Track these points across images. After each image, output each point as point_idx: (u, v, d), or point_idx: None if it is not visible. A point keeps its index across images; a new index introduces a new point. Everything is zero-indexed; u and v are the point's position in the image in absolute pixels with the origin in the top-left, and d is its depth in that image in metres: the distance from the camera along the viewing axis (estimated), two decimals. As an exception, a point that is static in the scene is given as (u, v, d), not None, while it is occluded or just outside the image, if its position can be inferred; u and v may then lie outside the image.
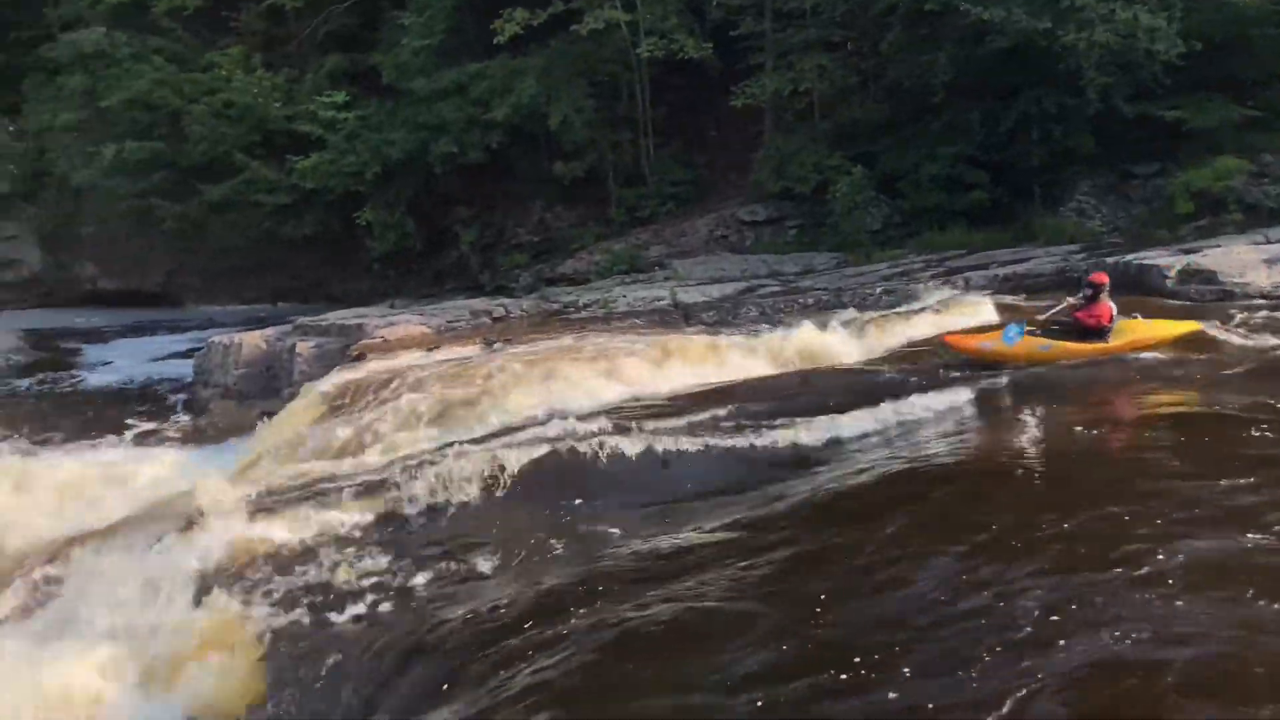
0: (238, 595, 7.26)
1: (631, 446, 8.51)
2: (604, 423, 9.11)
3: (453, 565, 7.32)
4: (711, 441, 8.60)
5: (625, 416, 9.33)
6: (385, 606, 6.79)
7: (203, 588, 7.44)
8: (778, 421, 8.89)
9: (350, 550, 7.67)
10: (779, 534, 6.62)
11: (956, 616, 4.82)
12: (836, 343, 11.39)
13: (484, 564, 7.23)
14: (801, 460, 8.28)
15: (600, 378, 10.92)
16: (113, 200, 25.15)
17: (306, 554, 7.71)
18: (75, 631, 7.27)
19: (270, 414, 12.75)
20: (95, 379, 18.92)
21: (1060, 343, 9.72)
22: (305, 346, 14.35)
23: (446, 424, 10.28)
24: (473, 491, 8.25)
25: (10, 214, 27.74)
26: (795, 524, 6.81)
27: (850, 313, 11.84)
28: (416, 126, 21.88)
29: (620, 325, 12.94)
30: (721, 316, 13.48)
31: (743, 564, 6.01)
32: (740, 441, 8.54)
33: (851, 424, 8.61)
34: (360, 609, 6.83)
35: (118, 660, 6.88)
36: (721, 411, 9.25)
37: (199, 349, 17.02)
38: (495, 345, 12.74)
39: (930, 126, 19.13)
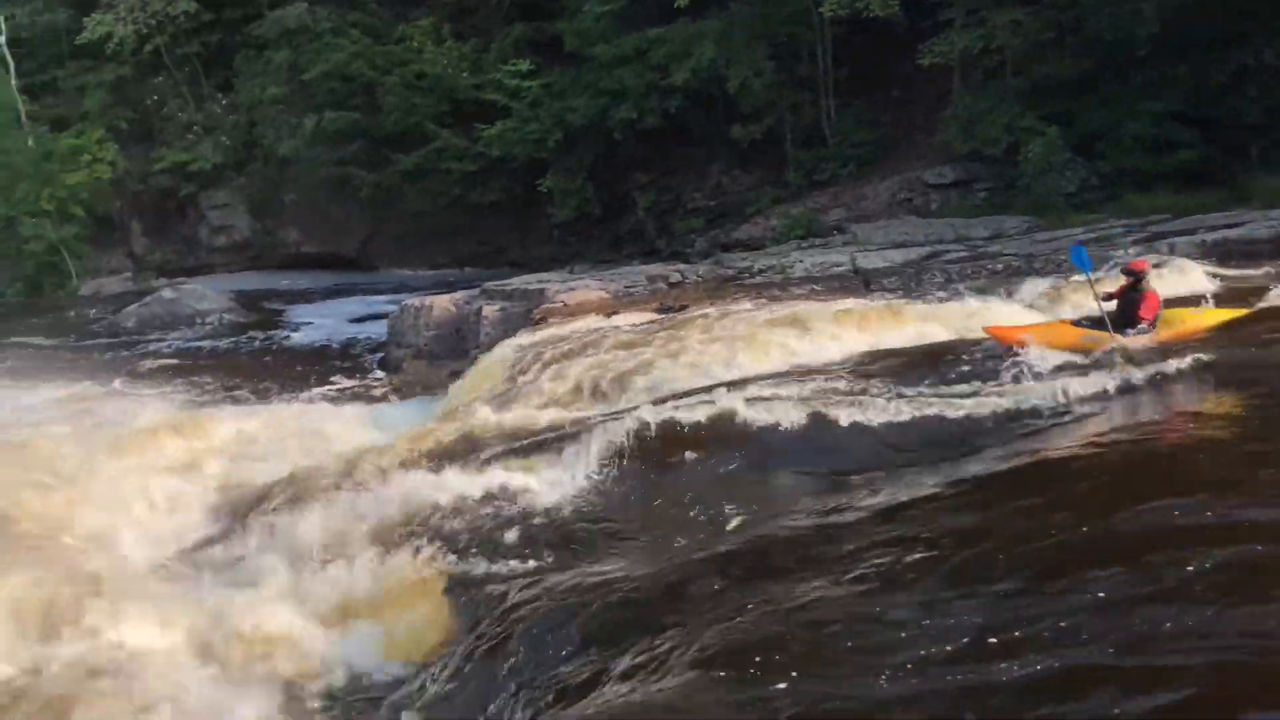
0: (427, 544, 7.66)
1: (809, 412, 8.43)
2: (780, 387, 9.07)
3: (625, 524, 7.49)
4: (892, 410, 8.43)
5: (802, 381, 9.26)
6: (559, 562, 7.01)
7: (396, 535, 7.89)
8: (959, 391, 8.64)
9: (531, 506, 7.94)
10: (962, 511, 6.43)
11: (1159, 611, 4.56)
12: (1025, 311, 10.91)
13: (655, 525, 7.36)
14: (987, 433, 8.02)
15: (776, 342, 10.85)
16: (313, 169, 26.58)
17: (491, 508, 8.03)
18: (278, 573, 7.81)
19: (458, 373, 13.32)
20: (299, 338, 20.16)
21: (1100, 333, 9.03)
22: (491, 310, 14.85)
23: (623, 387, 10.46)
24: (648, 453, 8.38)
25: (223, 183, 29.74)
26: (981, 501, 6.61)
27: (1041, 280, 11.31)
28: (597, 93, 22.17)
29: (798, 291, 12.80)
30: (904, 283, 13.14)
31: (919, 540, 5.88)
32: (921, 412, 8.34)
33: (1038, 397, 8.27)
34: (537, 563, 7.08)
35: (317, 601, 7.37)
36: (902, 379, 9.04)
37: (392, 311, 17.86)
38: (671, 310, 12.85)
39: (1133, 82, 17.97)
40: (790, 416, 8.39)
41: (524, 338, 12.54)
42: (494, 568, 7.15)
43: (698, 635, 5.16)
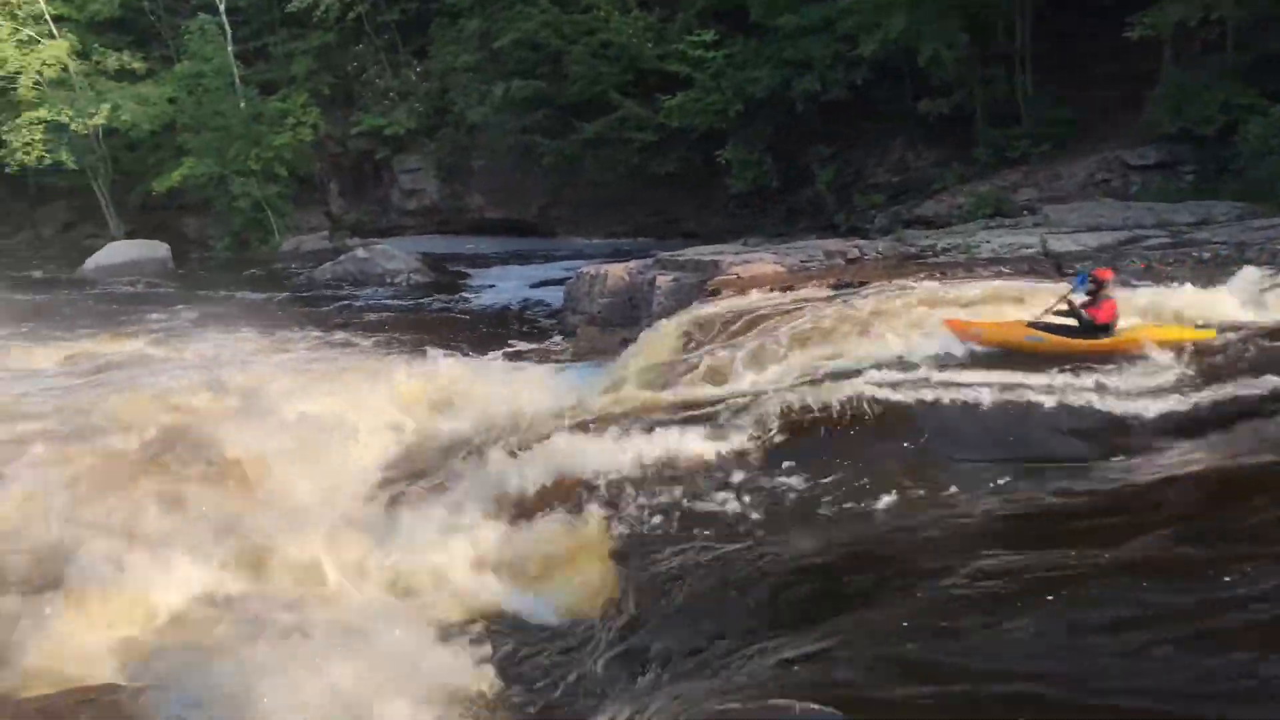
0: (599, 507, 7.84)
1: (992, 398, 8.18)
2: (960, 371, 8.81)
3: (792, 501, 7.46)
4: (1077, 402, 8.08)
5: (986, 366, 8.96)
6: (724, 536, 7.06)
7: (569, 496, 8.10)
8: (1150, 386, 8.20)
9: (698, 478, 8.01)
10: (1145, 511, 6.14)
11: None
12: (1229, 303, 10.16)
13: (824, 504, 7.31)
14: (1175, 430, 7.59)
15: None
16: (500, 136, 27.29)
17: (659, 477, 8.15)
18: (461, 523, 8.15)
19: (630, 341, 13.48)
20: (480, 300, 20.86)
21: (1052, 336, 9.29)
22: (664, 280, 14.94)
23: (797, 361, 10.37)
24: (819, 429, 8.31)
25: (415, 148, 30.94)
26: (1168, 501, 6.28)
27: (1257, 269, 10.49)
28: (780, 63, 21.87)
29: (983, 273, 12.32)
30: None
31: (1106, 539, 5.63)
32: (1109, 406, 7.96)
33: (1245, 394, 7.75)
34: (703, 535, 7.15)
35: (496, 553, 7.66)
36: (1089, 371, 8.63)
37: (569, 278, 18.23)
38: (848, 286, 12.61)
39: (1373, 57, 16.38)
40: (971, 401, 8.17)
41: (697, 308, 12.56)
42: (660, 536, 7.29)
43: (867, 622, 5.12)
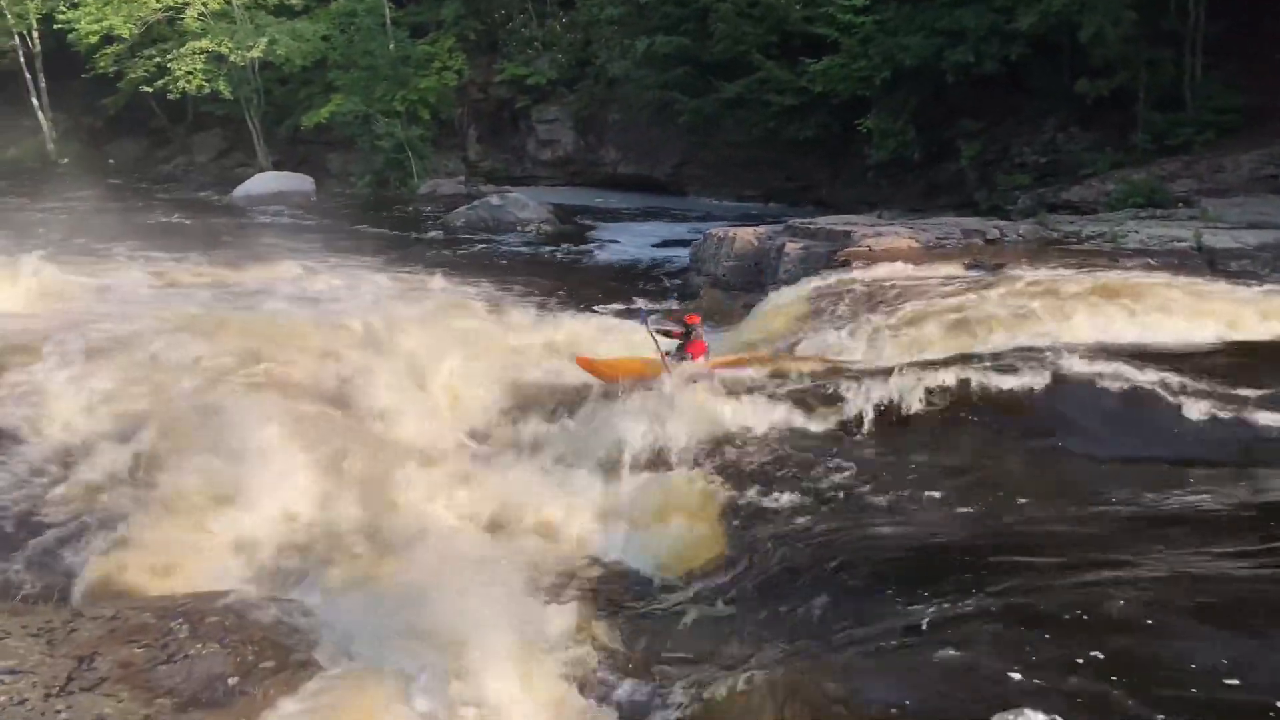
0: (709, 467, 7.87)
1: (1126, 391, 7.85)
2: (1095, 362, 8.47)
3: (906, 477, 7.34)
4: (1225, 404, 7.68)
5: (1122, 359, 8.59)
6: (830, 508, 6.99)
7: (680, 453, 8.13)
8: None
9: (811, 446, 7.96)
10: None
11: None
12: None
13: (939, 484, 7.16)
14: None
15: (1097, 314, 10.11)
16: (639, 91, 27.27)
17: (771, 441, 8.14)
18: (566, 471, 8.28)
19: (751, 306, 13.39)
20: (606, 254, 20.98)
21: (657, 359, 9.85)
22: (794, 247, 14.77)
23: (924, 339, 10.16)
24: (937, 411, 8.13)
25: (554, 99, 31.17)
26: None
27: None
28: (933, 33, 21.19)
29: (1129, 263, 11.80)
30: (1256, 268, 11.80)
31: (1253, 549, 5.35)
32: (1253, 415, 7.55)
33: None
34: (811, 503, 7.11)
35: (603, 502, 7.75)
36: (1243, 374, 8.19)
37: (696, 239, 18.17)
38: (984, 267, 12.25)
39: None
40: (1104, 394, 7.86)
41: (824, 279, 12.39)
42: (768, 502, 7.26)
43: (973, 611, 5.00)
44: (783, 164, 26.47)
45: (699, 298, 16.05)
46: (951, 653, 4.40)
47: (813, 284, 12.27)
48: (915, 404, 8.16)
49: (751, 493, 7.42)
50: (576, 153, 31.50)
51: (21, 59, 36.88)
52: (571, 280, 17.74)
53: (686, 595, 6.27)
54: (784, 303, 11.99)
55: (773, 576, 6.22)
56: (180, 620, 5.52)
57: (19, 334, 11.79)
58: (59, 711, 4.61)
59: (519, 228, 23.88)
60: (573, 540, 7.36)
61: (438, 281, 16.72)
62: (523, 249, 21.74)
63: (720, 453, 7.98)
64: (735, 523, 7.09)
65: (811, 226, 15.78)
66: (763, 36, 24.06)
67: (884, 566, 5.86)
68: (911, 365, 8.85)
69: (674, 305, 16.03)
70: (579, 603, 6.02)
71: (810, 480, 7.43)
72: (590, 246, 22.09)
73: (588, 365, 10.47)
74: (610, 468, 8.07)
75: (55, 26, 34.54)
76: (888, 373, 8.77)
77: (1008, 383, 8.19)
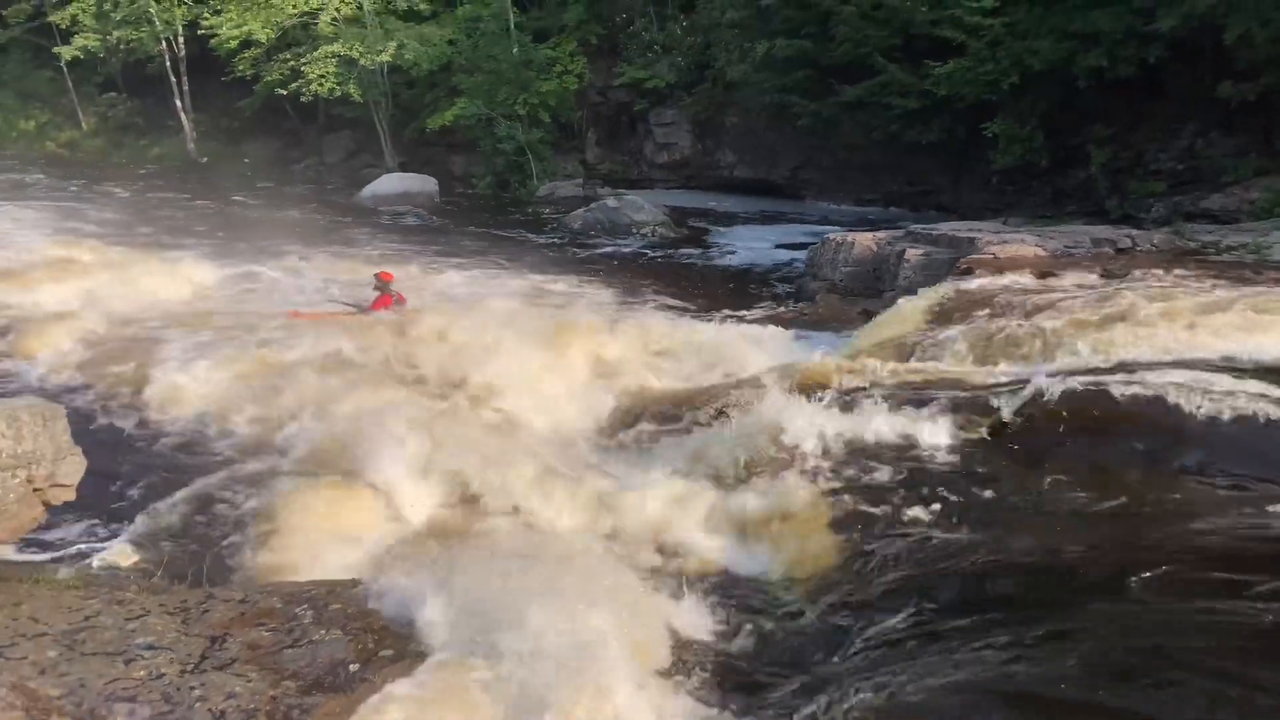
0: (822, 475, 7.79)
1: (1258, 411, 7.46)
2: (1227, 379, 8.07)
3: (1024, 493, 7.17)
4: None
5: (1259, 377, 8.18)
6: (947, 521, 6.86)
7: (790, 461, 8.07)
8: None
9: (926, 457, 7.81)
10: None
11: None
12: None
13: (1057, 500, 6.98)
14: None
15: (1233, 329, 9.61)
16: (757, 94, 27.13)
17: (885, 451, 8.01)
18: (679, 474, 8.29)
19: (869, 313, 13.20)
20: (721, 258, 20.96)
21: (351, 309, 13.19)
22: (914, 253, 14.50)
23: (1048, 350, 9.85)
24: (1061, 424, 7.88)
25: (672, 102, 31.27)
26: None
27: None
28: (1064, 36, 20.50)
29: (1275, 275, 11.23)
30: None
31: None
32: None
33: None
34: (924, 516, 6.98)
35: (713, 507, 7.74)
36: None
37: (813, 243, 17.99)
38: (1114, 278, 11.81)
39: None
40: (1231, 414, 7.48)
41: (945, 286, 12.12)
42: (881, 513, 7.17)
43: (1085, 631, 4.85)
44: (903, 168, 26.00)
45: (815, 302, 15.90)
46: (1069, 684, 4.27)
47: (934, 291, 12.01)
48: (1035, 417, 7.93)
49: (868, 504, 7.33)
50: (693, 156, 31.52)
51: (167, 63, 38.81)
52: (688, 284, 17.77)
53: (799, 607, 6.22)
54: (904, 309, 11.77)
55: (888, 591, 6.13)
56: (305, 606, 5.73)
57: (171, 320, 12.51)
58: (193, 689, 4.83)
59: (635, 230, 24.02)
60: (685, 546, 7.36)
61: (559, 284, 16.99)
62: (639, 252, 21.87)
63: (837, 463, 7.90)
64: (852, 535, 7.01)
65: (933, 233, 15.46)
66: (886, 39, 23.67)
67: (1001, 584, 5.73)
68: (1033, 377, 8.59)
69: (788, 309, 15.91)
70: (689, 610, 6.03)
71: (927, 493, 7.30)
72: (706, 250, 22.09)
73: (297, 315, 13.05)
74: (726, 475, 8.06)
75: (199, 32, 36.24)
76: (1008, 384, 8.55)
77: (1132, 398, 7.89)
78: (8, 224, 21.93)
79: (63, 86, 43.10)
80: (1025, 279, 12.03)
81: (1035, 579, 5.86)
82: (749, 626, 5.93)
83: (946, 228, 15.79)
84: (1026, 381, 8.48)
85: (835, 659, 5.39)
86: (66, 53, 39.13)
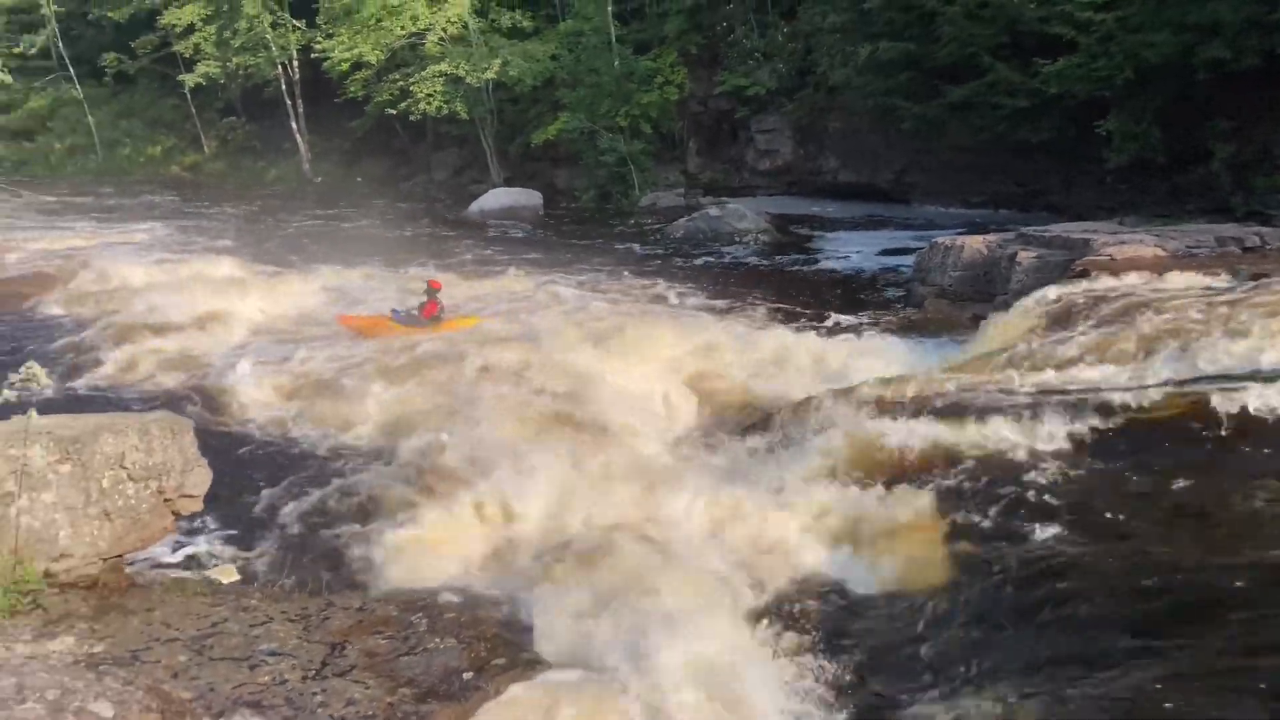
0: (932, 484, 7.63)
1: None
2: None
3: (1135, 504, 6.90)
4: None
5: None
6: (1067, 533, 6.63)
7: (897, 471, 7.93)
8: None
9: (1042, 467, 7.57)
10: None
11: None
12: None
13: (1172, 513, 6.68)
14: None
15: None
16: (861, 98, 26.83)
17: (999, 460, 7.80)
18: (783, 482, 8.23)
19: (980, 317, 12.89)
20: (826, 264, 20.72)
21: (395, 324, 13.68)
22: (1026, 256, 14.10)
23: (1168, 355, 9.46)
24: (1182, 434, 7.55)
25: (773, 109, 31.13)
26: None
27: None
28: (1181, 28, 19.72)
29: None
30: None
31: None
32: None
33: None
34: (1041, 528, 6.78)
35: (821, 516, 7.67)
36: None
37: (920, 247, 17.67)
38: (1242, 278, 11.28)
39: None
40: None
41: (1060, 289, 11.74)
42: (994, 525, 6.99)
43: (1215, 657, 4.64)
44: (1012, 169, 25.36)
45: (924, 308, 15.61)
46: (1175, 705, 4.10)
47: (1047, 295, 11.65)
48: (1151, 425, 7.63)
49: (974, 513, 7.15)
50: (795, 162, 31.31)
51: (283, 87, 40.35)
52: (793, 291, 17.62)
53: (906, 618, 6.11)
54: (1016, 314, 11.46)
55: (996, 603, 5.98)
56: (420, 614, 5.88)
57: (298, 334, 13.01)
58: (315, 694, 4.99)
59: (738, 238, 23.94)
60: (790, 555, 7.31)
61: (662, 293, 17.06)
62: (743, 260, 21.79)
63: (948, 472, 7.72)
64: (959, 545, 6.85)
65: (1046, 234, 15.00)
66: (993, 38, 23.15)
67: (1113, 600, 5.53)
68: (1151, 383, 8.28)
69: (895, 312, 15.66)
70: (795, 620, 5.99)
71: (1036, 502, 7.08)
72: (811, 256, 21.88)
73: (347, 323, 14.00)
74: (831, 480, 7.97)
75: (312, 56, 37.53)
76: (1124, 390, 8.25)
77: (1256, 407, 7.51)
78: (144, 236, 23.31)
79: (186, 112, 45.30)
80: (1145, 281, 11.59)
81: (1147, 595, 5.63)
82: (855, 639, 5.86)
83: (1059, 229, 15.32)
84: (1143, 385, 8.18)
85: (943, 674, 5.27)
86: (190, 80, 41.07)
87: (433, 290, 14.24)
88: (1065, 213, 21.77)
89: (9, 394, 5.69)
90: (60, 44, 47.29)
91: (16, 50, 44.69)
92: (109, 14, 44.31)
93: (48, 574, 5.76)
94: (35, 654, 4.91)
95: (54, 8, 46.68)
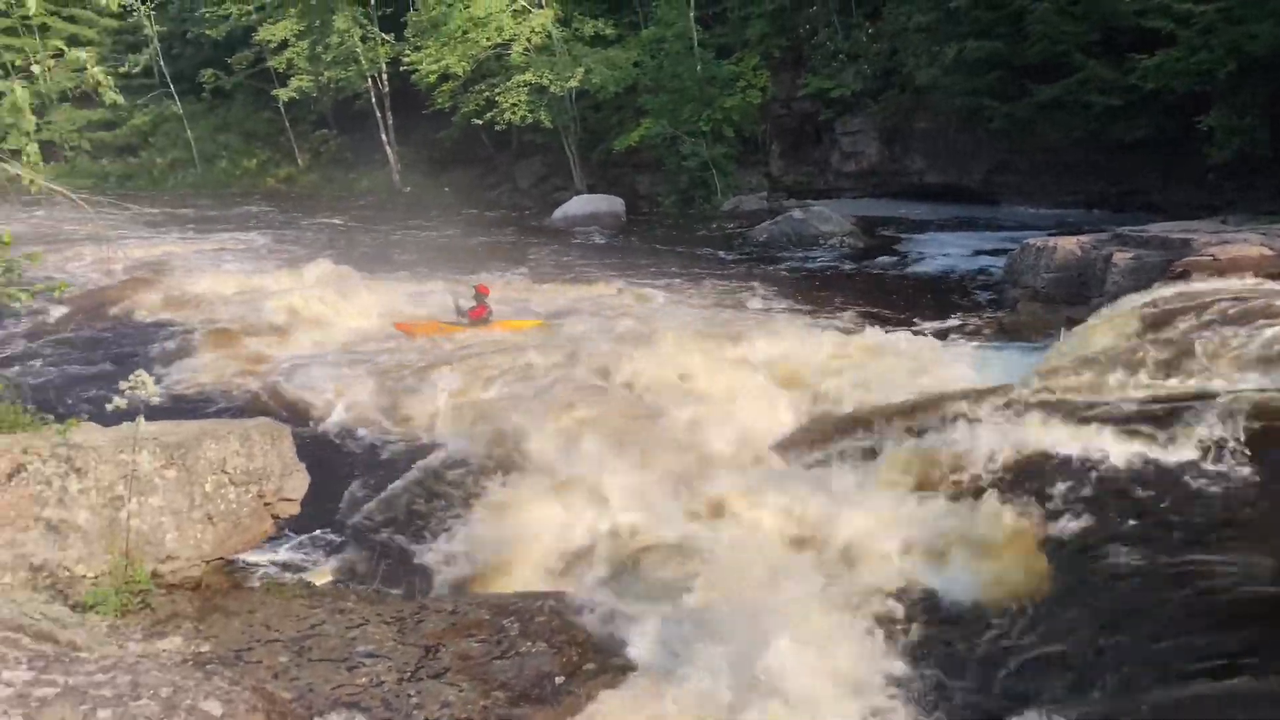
0: (1028, 493, 7.46)
1: None
2: None
3: (1241, 517, 6.65)
4: None
5: None
6: (1168, 544, 6.45)
7: (993, 479, 7.77)
8: None
9: (1143, 477, 7.37)
10: None
11: None
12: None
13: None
14: None
15: None
16: (948, 98, 26.39)
17: (1096, 470, 7.61)
18: (867, 490, 8.14)
19: (1075, 320, 12.56)
20: (913, 267, 20.40)
21: (450, 326, 14.36)
22: (1122, 257, 13.70)
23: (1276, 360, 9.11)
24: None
25: (858, 110, 30.79)
26: None
27: None
28: (1287, 18, 19.01)
29: None
30: None
31: None
32: None
33: None
34: (1141, 539, 6.61)
35: (912, 526, 7.53)
36: None
37: (1012, 249, 17.31)
38: (1357, 278, 10.81)
39: None
40: None
41: (1159, 291, 11.39)
42: (1093, 536, 6.82)
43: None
44: (1105, 168, 24.66)
45: (1016, 310, 15.28)
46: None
47: (1145, 297, 11.31)
48: (1259, 436, 7.33)
49: (1072, 524, 6.99)
50: (881, 163, 30.91)
51: (373, 99, 41.26)
52: (880, 294, 17.40)
53: (1002, 632, 5.98)
54: (1113, 317, 11.13)
55: (1097, 617, 5.82)
56: (512, 618, 5.95)
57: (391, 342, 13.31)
58: (410, 696, 5.09)
59: (823, 241, 23.72)
60: (879, 564, 7.21)
61: (746, 297, 17.00)
62: (828, 263, 21.59)
63: (1038, 479, 7.55)
64: (1057, 556, 6.69)
65: (1143, 234, 14.56)
66: (1084, 34, 22.57)
67: (1219, 615, 5.34)
68: (1260, 391, 7.97)
69: (987, 314, 15.36)
70: (886, 631, 5.91)
71: (1138, 514, 6.88)
72: (898, 259, 21.56)
73: (404, 329, 14.55)
74: (921, 489, 7.85)
75: (400, 68, 38.30)
76: (1230, 398, 7.95)
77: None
78: (241, 246, 24.13)
79: (280, 126, 46.67)
80: (1250, 282, 11.17)
81: (1256, 611, 5.43)
82: (950, 651, 5.75)
83: (1157, 229, 14.86)
84: (1252, 394, 7.88)
85: (1043, 690, 5.15)
86: (283, 94, 42.29)
87: (480, 295, 14.77)
88: (1163, 212, 21.11)
89: (119, 401, 5.92)
90: (161, 62, 49.26)
91: (122, 70, 46.49)
92: (207, 32, 46.01)
93: (155, 575, 5.99)
94: (147, 652, 5.10)
95: (156, 28, 48.64)
